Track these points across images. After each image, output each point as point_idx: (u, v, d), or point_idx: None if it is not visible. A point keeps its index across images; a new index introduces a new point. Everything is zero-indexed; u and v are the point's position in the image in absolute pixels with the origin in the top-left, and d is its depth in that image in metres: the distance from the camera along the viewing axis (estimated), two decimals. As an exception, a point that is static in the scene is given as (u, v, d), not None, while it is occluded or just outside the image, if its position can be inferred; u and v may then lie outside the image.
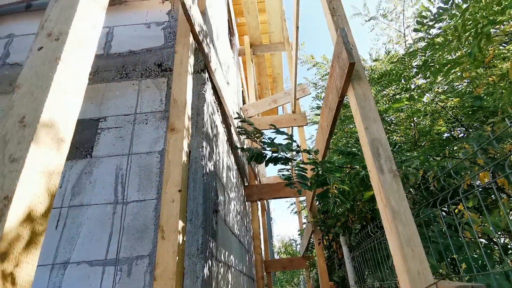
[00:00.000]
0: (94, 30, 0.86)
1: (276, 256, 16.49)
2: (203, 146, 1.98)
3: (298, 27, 3.48)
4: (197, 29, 2.04)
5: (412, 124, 3.24)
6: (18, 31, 2.62)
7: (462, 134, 3.23)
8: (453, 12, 1.68)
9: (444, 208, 2.05)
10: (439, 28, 2.50)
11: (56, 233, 1.75)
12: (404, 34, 4.34)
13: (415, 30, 2.10)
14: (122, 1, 2.74)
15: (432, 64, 2.13)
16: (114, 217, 1.78)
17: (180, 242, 1.38)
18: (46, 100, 0.67)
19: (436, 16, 2.16)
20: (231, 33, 5.92)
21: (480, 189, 1.46)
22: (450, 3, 1.93)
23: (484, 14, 1.54)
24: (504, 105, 1.91)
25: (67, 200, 1.81)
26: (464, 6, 1.59)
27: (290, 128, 6.80)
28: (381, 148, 1.43)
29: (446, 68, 1.82)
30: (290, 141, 1.88)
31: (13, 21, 2.72)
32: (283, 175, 1.82)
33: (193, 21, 1.96)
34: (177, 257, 1.31)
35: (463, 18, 1.55)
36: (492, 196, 1.86)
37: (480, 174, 1.39)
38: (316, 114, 4.74)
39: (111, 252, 1.69)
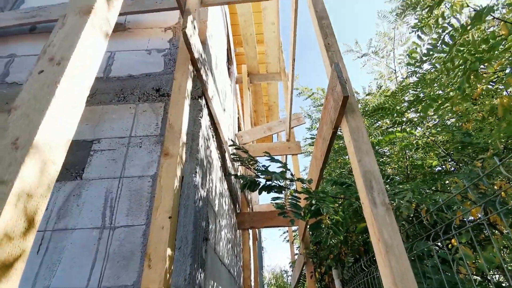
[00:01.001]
0: (95, 57, 0.89)
1: (267, 289, 15.84)
2: (196, 172, 1.97)
3: (294, 59, 3.62)
4: (196, 57, 2.11)
5: (405, 157, 3.29)
6: (20, 51, 2.67)
7: (453, 169, 3.27)
8: (442, 47, 1.77)
9: (437, 243, 2.03)
10: (430, 64, 2.62)
11: (37, 257, 1.67)
12: (395, 70, 4.52)
13: (408, 64, 2.20)
14: (125, 28, 2.84)
15: (423, 99, 2.21)
16: (99, 243, 1.71)
17: (167, 271, 1.32)
18: (41, 123, 0.67)
19: (425, 53, 2.28)
20: (229, 61, 6.10)
21: (472, 225, 1.45)
22: (439, 42, 2.05)
23: (472, 51, 1.63)
24: (494, 141, 1.96)
25: (51, 223, 1.75)
26: (453, 41, 1.69)
27: (284, 156, 6.82)
28: (374, 180, 1.44)
29: (436, 104, 1.89)
30: (284, 169, 1.88)
31: (15, 42, 2.78)
32: (276, 203, 1.80)
33: (193, 50, 2.02)
34: (163, 288, 1.25)
35: (451, 55, 1.64)
36: (485, 231, 1.85)
37: (472, 209, 1.40)
38: (310, 144, 4.79)
39: (93, 281, 1.61)
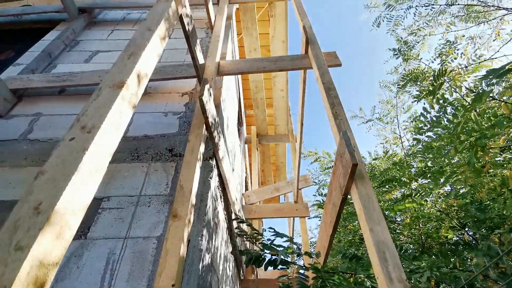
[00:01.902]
0: (121, 125, 0.96)
1: None
2: (202, 235, 1.92)
3: (302, 123, 3.77)
4: (210, 121, 2.23)
5: (418, 224, 3.16)
6: (46, 111, 2.87)
7: (471, 238, 3.11)
8: (446, 125, 1.86)
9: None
10: (435, 134, 2.70)
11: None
12: (400, 135, 4.64)
13: (414, 139, 2.27)
14: (147, 92, 3.08)
15: (430, 170, 2.23)
16: (94, 311, 1.60)
17: None
18: (65, 189, 0.70)
19: (431, 124, 2.37)
20: (240, 123, 6.38)
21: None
22: (444, 120, 2.15)
23: (476, 128, 1.70)
24: (509, 214, 1.90)
25: (48, 286, 1.67)
26: (456, 120, 1.78)
27: (292, 218, 6.62)
28: (388, 252, 1.38)
29: (443, 176, 1.90)
30: (289, 246, 1.82)
31: (43, 102, 3.00)
32: (282, 284, 1.70)
33: (208, 114, 2.15)
34: None
35: (456, 132, 1.71)
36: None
37: (496, 291, 1.30)
38: (319, 206, 4.69)
39: None
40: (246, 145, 7.45)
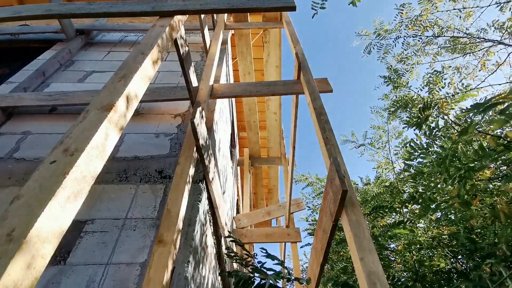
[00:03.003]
0: (107, 148, 0.94)
1: None
2: (189, 261, 1.85)
3: (294, 147, 3.79)
4: (201, 143, 2.22)
5: (411, 252, 3.12)
6: (35, 129, 2.83)
7: (464, 267, 3.06)
8: (433, 158, 1.88)
9: None
10: (424, 160, 2.73)
11: None
12: (391, 161, 4.68)
13: (405, 163, 2.29)
14: (139, 113, 3.07)
15: (422, 196, 2.23)
16: None
17: None
18: (40, 215, 0.67)
19: (420, 151, 2.40)
20: (232, 145, 6.37)
21: None
22: (431, 151, 2.18)
23: (463, 161, 1.72)
24: (500, 243, 1.89)
25: (21, 316, 1.56)
26: (444, 153, 1.81)
27: (283, 243, 6.48)
28: (378, 283, 1.34)
29: (434, 204, 1.90)
30: (281, 270, 1.76)
31: (32, 121, 2.96)
32: None
33: (199, 137, 2.14)
34: None
35: (444, 165, 1.73)
36: None
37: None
38: (310, 234, 4.61)
39: None
40: (238, 168, 7.41)
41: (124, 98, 1.10)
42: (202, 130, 2.25)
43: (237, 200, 7.17)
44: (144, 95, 2.92)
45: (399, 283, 2.16)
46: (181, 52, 2.36)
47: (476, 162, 1.63)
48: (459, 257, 2.30)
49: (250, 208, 8.09)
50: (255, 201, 8.64)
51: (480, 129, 2.19)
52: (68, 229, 1.96)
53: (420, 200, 2.06)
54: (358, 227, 1.57)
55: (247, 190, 6.37)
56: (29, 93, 3.12)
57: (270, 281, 1.62)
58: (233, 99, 6.47)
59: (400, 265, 3.46)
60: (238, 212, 7.28)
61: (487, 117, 2.82)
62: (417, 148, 2.53)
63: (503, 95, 1.89)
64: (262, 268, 1.78)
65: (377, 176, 4.62)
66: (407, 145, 2.74)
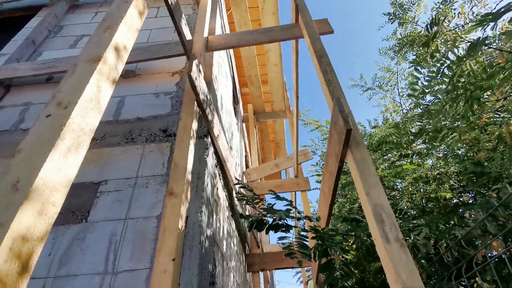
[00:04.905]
0: (101, 100, 0.92)
1: None
2: (202, 211, 1.93)
3: (297, 96, 3.71)
4: (201, 98, 2.18)
5: (418, 190, 3.18)
6: (35, 100, 2.82)
7: (471, 200, 3.14)
8: (442, 79, 1.80)
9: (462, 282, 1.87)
10: (432, 95, 2.64)
11: (36, 308, 1.60)
12: (400, 103, 4.57)
13: (410, 96, 2.22)
14: (136, 74, 3.00)
15: (427, 130, 2.19)
16: (101, 290, 1.63)
17: (170, 321, 1.24)
18: (43, 165, 0.68)
19: (427, 85, 2.31)
20: (236, 101, 6.29)
21: (494, 260, 1.35)
22: (439, 75, 2.08)
23: (471, 81, 1.65)
24: (507, 170, 1.89)
25: (53, 270, 1.70)
26: (451, 73, 1.72)
27: (294, 192, 6.70)
28: (384, 214, 1.38)
29: (441, 134, 1.87)
30: (289, 207, 1.83)
31: (31, 91, 2.94)
32: (283, 243, 1.72)
33: (198, 91, 2.10)
34: None
35: (452, 83, 1.65)
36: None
37: (492, 243, 1.31)
38: (317, 181, 4.71)
39: (93, 333, 1.51)
40: (244, 124, 7.40)
41: (112, 49, 1.06)
42: (201, 84, 2.20)
43: (246, 156, 7.29)
44: (137, 54, 2.84)
45: (406, 216, 2.24)
46: (170, 2, 2.22)
47: (484, 81, 1.57)
48: (466, 184, 2.33)
49: (258, 163, 8.25)
50: (263, 156, 8.78)
51: (490, 47, 2.06)
52: (84, 189, 2.03)
53: (427, 136, 2.03)
54: (363, 165, 1.58)
55: (254, 146, 6.43)
56: (23, 63, 3.05)
57: (281, 218, 1.69)
58: (232, 54, 6.23)
59: (408, 203, 3.56)
60: (247, 167, 7.45)
61: (497, 32, 2.64)
62: (422, 86, 2.43)
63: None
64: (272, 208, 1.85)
65: (385, 118, 4.55)
66: (410, 83, 2.63)
